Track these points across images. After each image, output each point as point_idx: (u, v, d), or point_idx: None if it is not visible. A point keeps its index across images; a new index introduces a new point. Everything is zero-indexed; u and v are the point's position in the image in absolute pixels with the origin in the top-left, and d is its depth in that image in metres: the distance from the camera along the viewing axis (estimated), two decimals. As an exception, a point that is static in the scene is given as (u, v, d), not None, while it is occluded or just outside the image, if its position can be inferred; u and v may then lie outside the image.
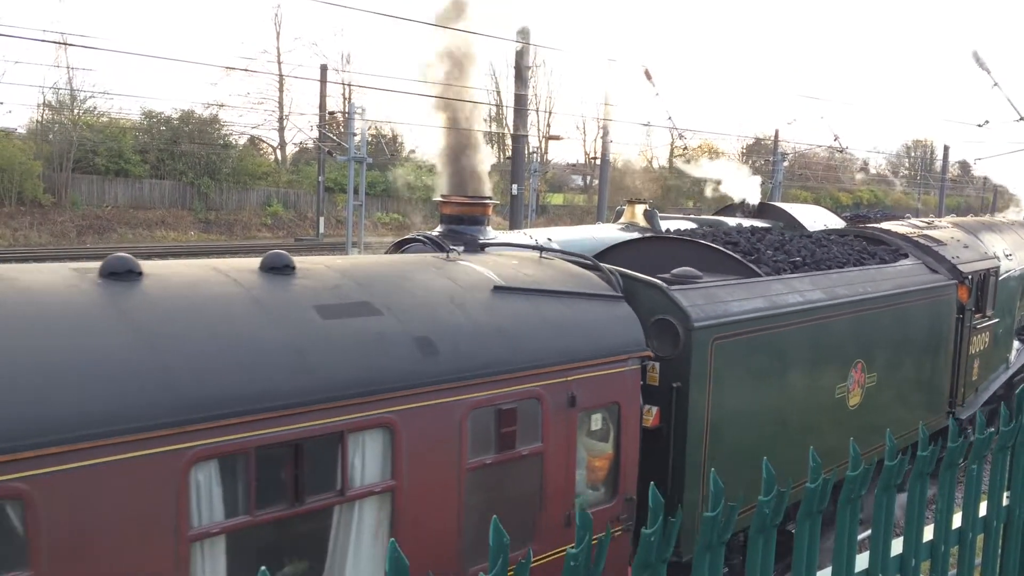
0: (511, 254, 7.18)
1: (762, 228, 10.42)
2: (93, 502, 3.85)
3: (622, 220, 14.70)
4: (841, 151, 50.76)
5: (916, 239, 11.11)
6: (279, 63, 52.80)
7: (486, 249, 7.25)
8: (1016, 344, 13.84)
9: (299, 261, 5.62)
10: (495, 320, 5.69)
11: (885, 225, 12.18)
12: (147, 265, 4.86)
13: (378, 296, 5.37)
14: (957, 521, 3.55)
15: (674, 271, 7.65)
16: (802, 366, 8.18)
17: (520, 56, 31.63)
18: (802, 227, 15.04)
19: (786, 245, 9.22)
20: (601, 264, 6.85)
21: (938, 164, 64.02)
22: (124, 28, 70.16)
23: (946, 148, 56.89)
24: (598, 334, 6.16)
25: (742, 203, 19.15)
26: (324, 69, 50.78)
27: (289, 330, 4.76)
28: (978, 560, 3.70)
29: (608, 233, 13.34)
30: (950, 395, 11.08)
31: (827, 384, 8.57)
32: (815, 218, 16.80)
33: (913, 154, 77.96)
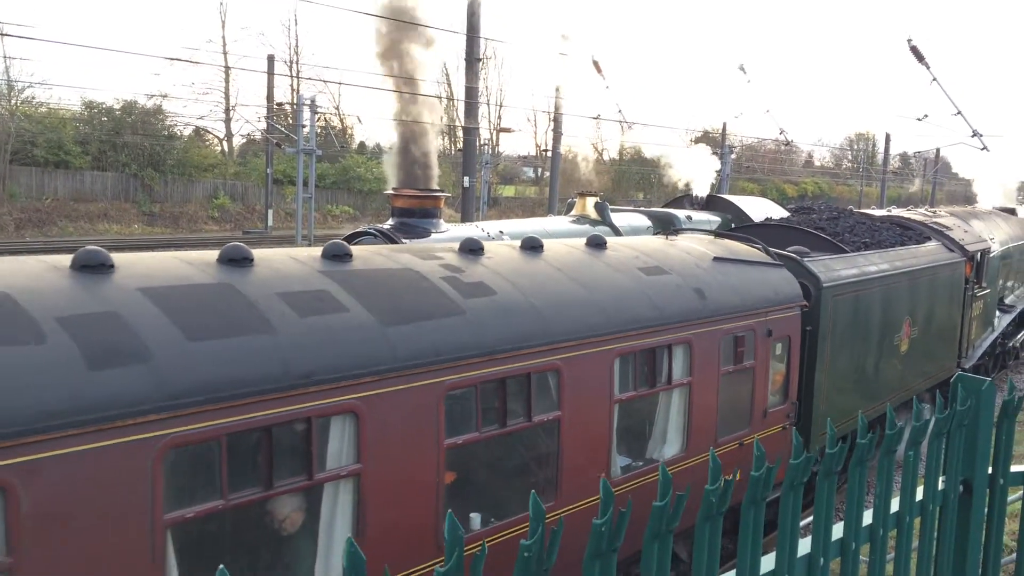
0: (698, 236, 10.72)
1: (836, 216, 14.19)
2: (583, 375, 7.22)
3: (573, 212, 16.56)
4: (787, 144, 55.07)
5: (932, 225, 15.13)
6: (224, 53, 54.81)
7: (670, 236, 10.72)
8: (997, 312, 18.14)
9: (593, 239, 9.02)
10: (724, 279, 9.22)
11: (904, 213, 16.22)
12: (546, 242, 8.23)
13: (662, 262, 8.84)
14: (895, 505, 3.72)
15: (790, 248, 11.29)
16: (877, 319, 11.96)
17: (470, 45, 34.95)
18: (749, 219, 17.71)
19: (854, 228, 13.04)
20: (764, 244, 10.45)
21: (880, 157, 70.68)
22: (64, 17, 70.54)
23: (888, 137, 62.91)
24: (777, 289, 9.77)
25: (690, 196, 22.36)
26: (271, 59, 53.05)
27: (638, 282, 8.19)
28: (915, 544, 3.89)
29: (560, 225, 15.03)
30: (959, 348, 15.14)
31: (890, 333, 12.38)
32: (761, 210, 18.73)
33: (856, 147, 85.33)
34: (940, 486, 3.90)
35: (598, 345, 7.41)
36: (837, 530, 3.44)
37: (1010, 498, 4.34)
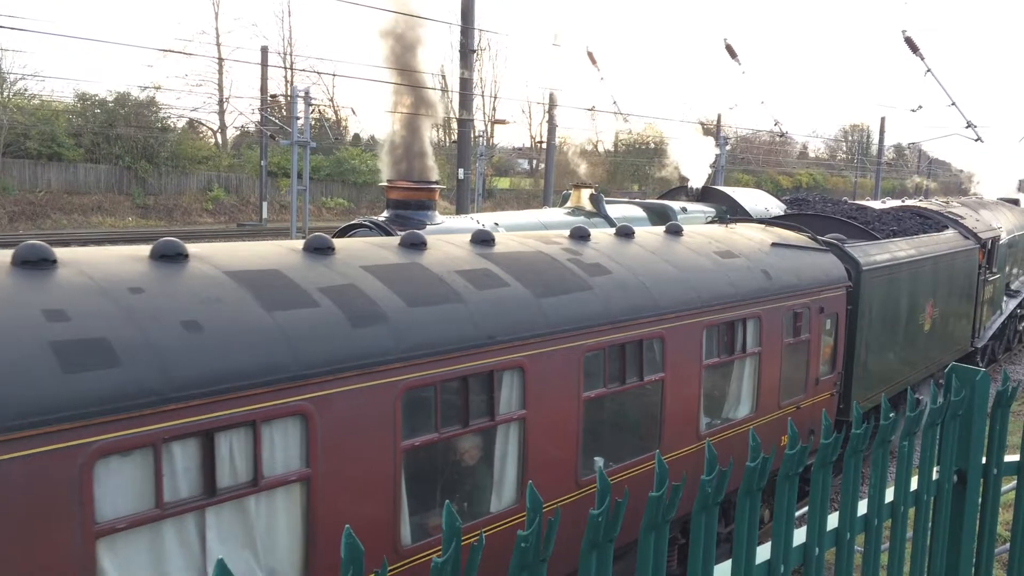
0: (751, 224, 12.24)
1: (864, 207, 15.78)
2: (680, 343, 8.70)
3: (568, 204, 17.11)
4: (782, 135, 56.73)
5: (947, 214, 16.76)
6: (218, 45, 55.82)
7: (729, 224, 12.23)
8: (1004, 297, 19.86)
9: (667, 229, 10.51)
10: (783, 262, 10.74)
11: (921, 204, 17.88)
12: (636, 230, 9.71)
13: (731, 247, 10.34)
14: (890, 495, 3.79)
15: (828, 235, 12.84)
16: (906, 299, 13.54)
17: (464, 37, 36.28)
18: (744, 211, 18.98)
19: (882, 218, 14.62)
20: (810, 231, 11.98)
21: (874, 148, 72.81)
22: (56, 8, 71.04)
23: (882, 123, 64.83)
24: (826, 271, 11.30)
25: (686, 187, 23.53)
26: (265, 51, 54.14)
27: (716, 264, 9.69)
28: (909, 533, 3.94)
29: (555, 217, 15.57)
30: (972, 329, 16.78)
31: (916, 313, 13.97)
32: (757, 202, 19.27)
33: (850, 138, 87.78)
34: (934, 476, 3.98)
35: (691, 317, 8.91)
36: (832, 520, 3.55)
37: (1004, 488, 4.47)
